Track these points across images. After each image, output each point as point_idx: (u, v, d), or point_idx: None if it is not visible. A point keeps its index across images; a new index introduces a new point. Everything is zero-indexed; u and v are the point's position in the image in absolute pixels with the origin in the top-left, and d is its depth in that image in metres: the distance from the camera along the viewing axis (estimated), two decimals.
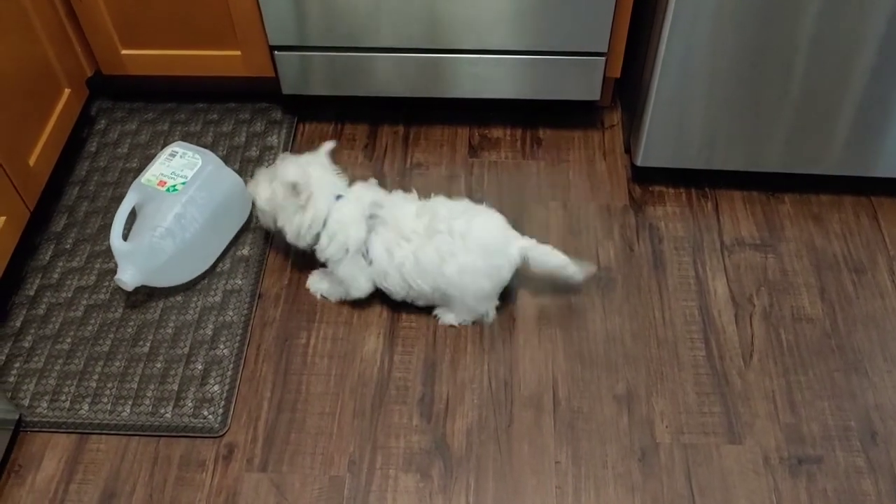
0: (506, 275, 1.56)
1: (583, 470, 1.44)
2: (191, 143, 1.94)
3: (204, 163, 1.67)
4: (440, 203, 1.58)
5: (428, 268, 1.53)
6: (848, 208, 1.82)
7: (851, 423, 1.49)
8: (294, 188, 1.53)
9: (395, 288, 1.58)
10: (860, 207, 1.82)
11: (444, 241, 1.52)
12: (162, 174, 1.65)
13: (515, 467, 1.44)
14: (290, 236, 1.59)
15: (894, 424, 1.48)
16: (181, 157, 1.68)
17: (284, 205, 1.56)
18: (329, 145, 1.64)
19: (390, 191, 1.64)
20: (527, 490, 1.42)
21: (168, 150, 1.70)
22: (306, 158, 1.61)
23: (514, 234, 1.57)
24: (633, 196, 1.85)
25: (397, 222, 1.54)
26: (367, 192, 1.60)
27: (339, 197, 1.57)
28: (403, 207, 1.57)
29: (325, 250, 1.57)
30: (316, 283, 1.69)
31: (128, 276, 1.58)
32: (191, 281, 1.70)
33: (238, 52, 1.86)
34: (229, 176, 1.72)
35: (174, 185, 1.63)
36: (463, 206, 1.58)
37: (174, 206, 1.61)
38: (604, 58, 1.81)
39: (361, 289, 1.61)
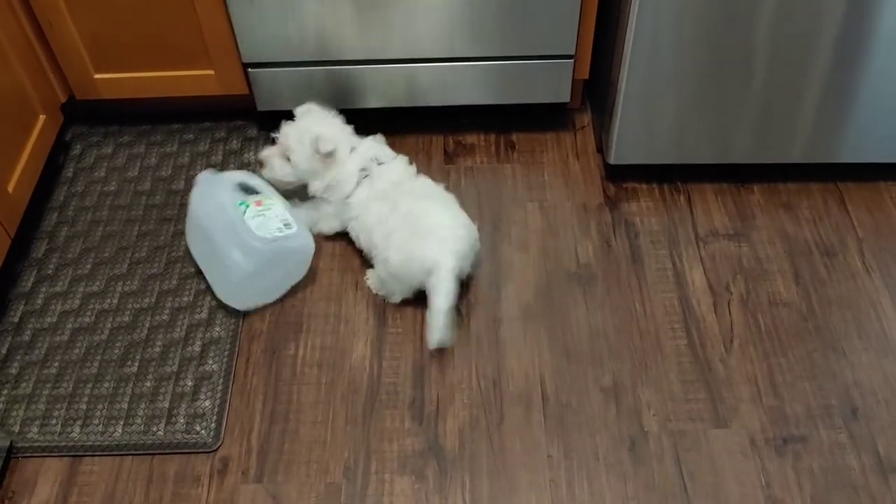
0: (416, 277, 1.60)
1: (575, 462, 1.46)
2: (168, 163, 1.96)
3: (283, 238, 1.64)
4: (419, 184, 1.73)
5: (367, 227, 1.68)
6: (816, 195, 1.87)
7: (832, 402, 1.53)
8: (327, 154, 1.69)
9: (354, 235, 1.74)
10: (827, 193, 1.87)
11: (384, 211, 1.65)
12: (271, 206, 1.67)
13: (509, 463, 1.46)
14: (314, 191, 1.74)
15: (873, 400, 1.53)
16: (288, 228, 1.65)
17: (314, 169, 1.72)
18: (309, 106, 1.77)
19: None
20: (521, 485, 1.44)
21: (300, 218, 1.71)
22: (315, 118, 1.74)
23: (450, 248, 1.57)
24: (608, 194, 1.89)
25: (380, 182, 1.69)
26: (372, 148, 1.74)
27: (352, 150, 1.72)
28: (392, 174, 1.72)
29: (320, 192, 1.73)
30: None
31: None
32: (174, 299, 1.71)
33: (211, 72, 1.88)
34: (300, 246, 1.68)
35: (256, 209, 1.66)
36: (434, 197, 1.68)
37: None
38: (572, 60, 1.85)
39: (331, 228, 1.78)
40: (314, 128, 1.70)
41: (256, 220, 1.62)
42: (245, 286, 1.65)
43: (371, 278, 1.71)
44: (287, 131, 1.72)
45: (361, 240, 1.72)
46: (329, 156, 1.69)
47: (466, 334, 1.64)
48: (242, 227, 1.61)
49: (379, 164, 1.72)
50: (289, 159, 1.72)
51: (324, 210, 1.76)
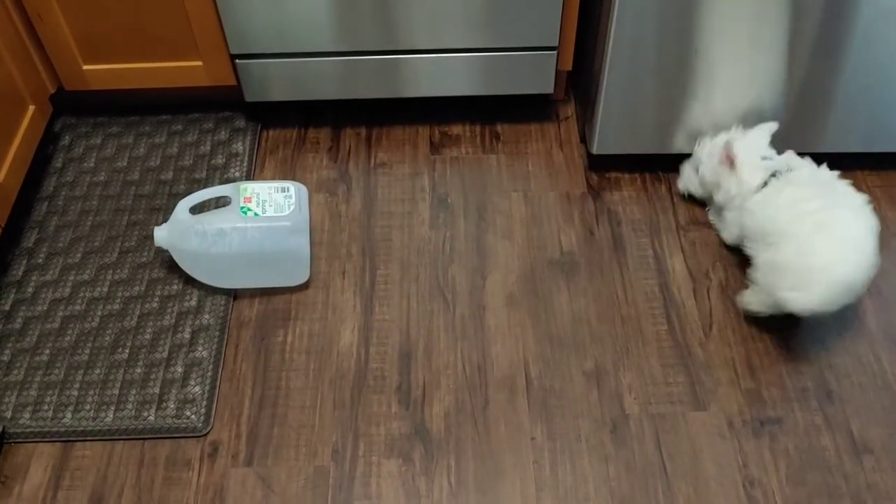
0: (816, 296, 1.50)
1: (558, 445, 1.50)
2: (157, 154, 1.98)
3: (287, 218, 1.65)
4: (827, 187, 1.62)
5: (754, 230, 1.64)
6: None
7: (808, 385, 1.57)
8: (732, 162, 1.68)
9: (739, 227, 1.70)
10: None
11: (792, 216, 1.56)
12: (258, 194, 1.67)
13: (493, 446, 1.50)
14: (719, 201, 1.75)
15: (848, 383, 1.57)
16: (287, 197, 1.67)
17: (717, 181, 1.74)
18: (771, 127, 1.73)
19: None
20: (505, 467, 1.47)
21: (290, 183, 1.70)
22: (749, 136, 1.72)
23: (864, 266, 1.51)
24: (591, 183, 1.92)
25: (788, 188, 1.61)
26: (783, 161, 1.68)
27: (761, 167, 1.67)
28: (800, 182, 1.62)
29: (723, 201, 1.73)
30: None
31: (160, 233, 1.67)
32: (164, 287, 1.73)
33: (199, 63, 1.90)
34: (296, 243, 1.68)
35: (251, 209, 1.64)
36: (845, 200, 1.59)
37: (227, 221, 1.63)
38: (555, 52, 1.88)
39: (731, 235, 1.74)
40: (726, 139, 1.71)
41: (267, 209, 1.65)
42: (309, 253, 1.73)
43: (748, 297, 1.64)
44: (703, 145, 1.78)
45: (748, 228, 1.65)
46: (733, 166, 1.68)
47: (452, 321, 1.67)
48: (271, 222, 1.64)
49: (788, 170, 1.65)
50: (697, 171, 1.78)
51: (726, 218, 1.74)
